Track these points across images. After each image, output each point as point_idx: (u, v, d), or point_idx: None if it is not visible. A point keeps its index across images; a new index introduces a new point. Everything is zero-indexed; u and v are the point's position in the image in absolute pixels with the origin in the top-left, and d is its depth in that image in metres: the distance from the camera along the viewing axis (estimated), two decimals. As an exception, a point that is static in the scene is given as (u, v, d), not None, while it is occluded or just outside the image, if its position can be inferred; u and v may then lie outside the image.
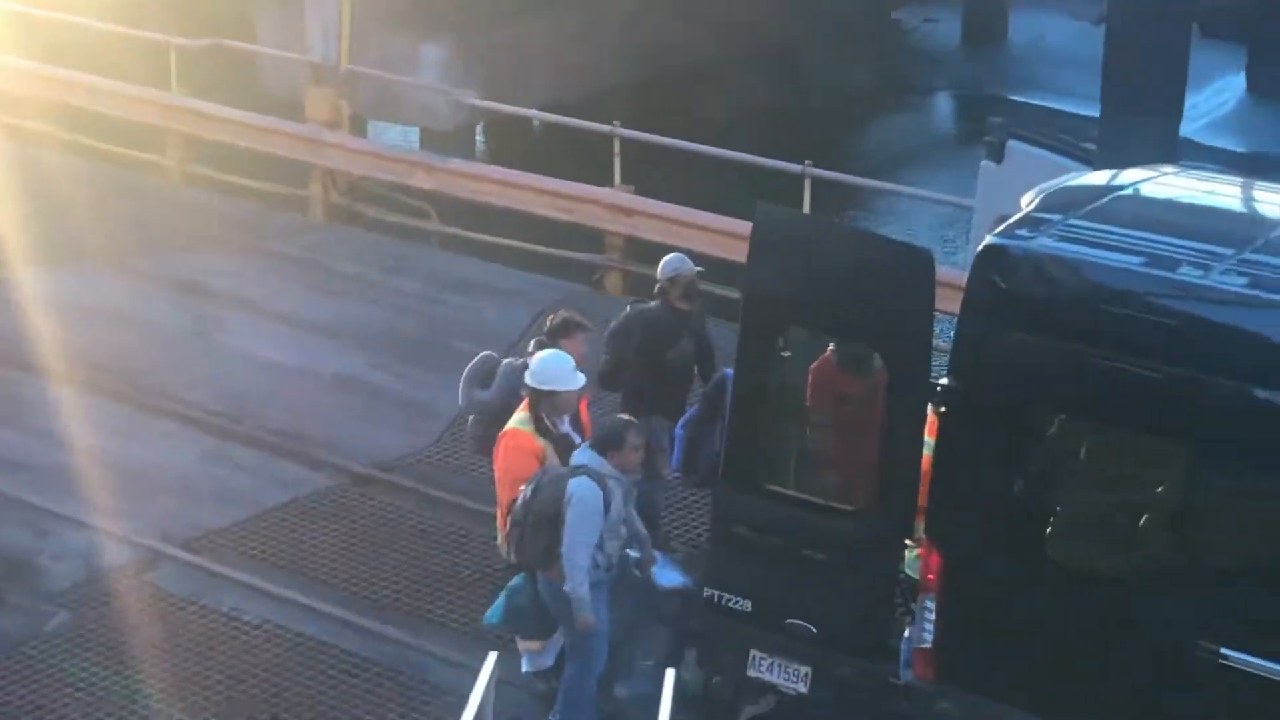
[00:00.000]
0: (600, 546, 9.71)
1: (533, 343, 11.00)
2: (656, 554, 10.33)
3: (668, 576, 10.21)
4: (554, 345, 10.67)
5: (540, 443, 10.19)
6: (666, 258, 12.07)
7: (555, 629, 10.25)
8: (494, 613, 10.31)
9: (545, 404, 10.23)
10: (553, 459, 10.16)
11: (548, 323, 11.15)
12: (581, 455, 9.87)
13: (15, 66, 21.54)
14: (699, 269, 12.00)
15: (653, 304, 11.90)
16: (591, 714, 10.06)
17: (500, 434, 10.37)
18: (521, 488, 9.90)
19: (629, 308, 12.02)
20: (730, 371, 10.71)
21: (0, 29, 22.11)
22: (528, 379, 10.28)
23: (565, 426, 10.34)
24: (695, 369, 11.93)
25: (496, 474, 10.36)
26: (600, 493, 9.64)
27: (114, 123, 21.05)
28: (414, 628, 11.43)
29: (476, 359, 11.30)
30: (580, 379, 10.31)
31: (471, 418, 11.26)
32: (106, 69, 21.29)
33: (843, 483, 10.02)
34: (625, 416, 10.36)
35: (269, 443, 13.80)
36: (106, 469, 13.22)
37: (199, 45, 20.97)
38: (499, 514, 10.34)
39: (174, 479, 13.18)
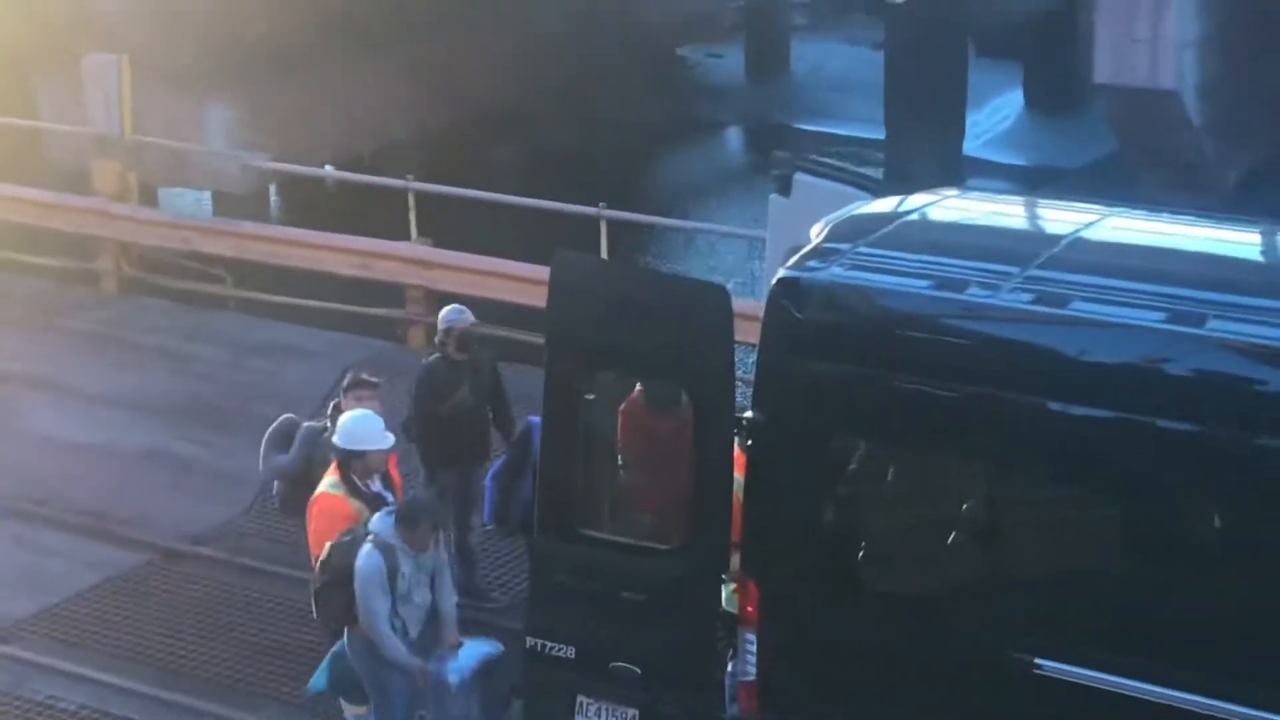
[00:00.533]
0: (396, 612, 9.67)
1: (330, 405, 10.97)
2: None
3: (466, 660, 9.90)
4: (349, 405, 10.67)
5: (353, 505, 10.11)
6: (444, 310, 12.19)
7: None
8: (318, 679, 10.22)
9: (355, 465, 10.17)
10: (367, 517, 10.09)
11: (345, 383, 11.16)
12: (379, 522, 9.76)
13: None
14: (473, 322, 12.05)
15: (432, 357, 11.98)
16: None
17: (311, 499, 10.28)
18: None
19: (422, 362, 12.10)
20: (536, 419, 10.74)
21: None
22: (336, 440, 10.22)
23: (377, 486, 10.28)
24: (490, 418, 11.99)
25: (310, 539, 10.27)
26: (382, 565, 9.56)
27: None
28: (238, 702, 11.29)
29: (276, 422, 11.26)
30: (389, 438, 10.27)
31: (275, 481, 11.19)
32: None
33: (657, 522, 10.07)
34: (427, 498, 10.33)
35: (76, 524, 13.56)
36: (-93, 564, 12.93)
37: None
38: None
39: (-21, 569, 12.91)
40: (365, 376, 11.18)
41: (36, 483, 14.19)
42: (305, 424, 11.11)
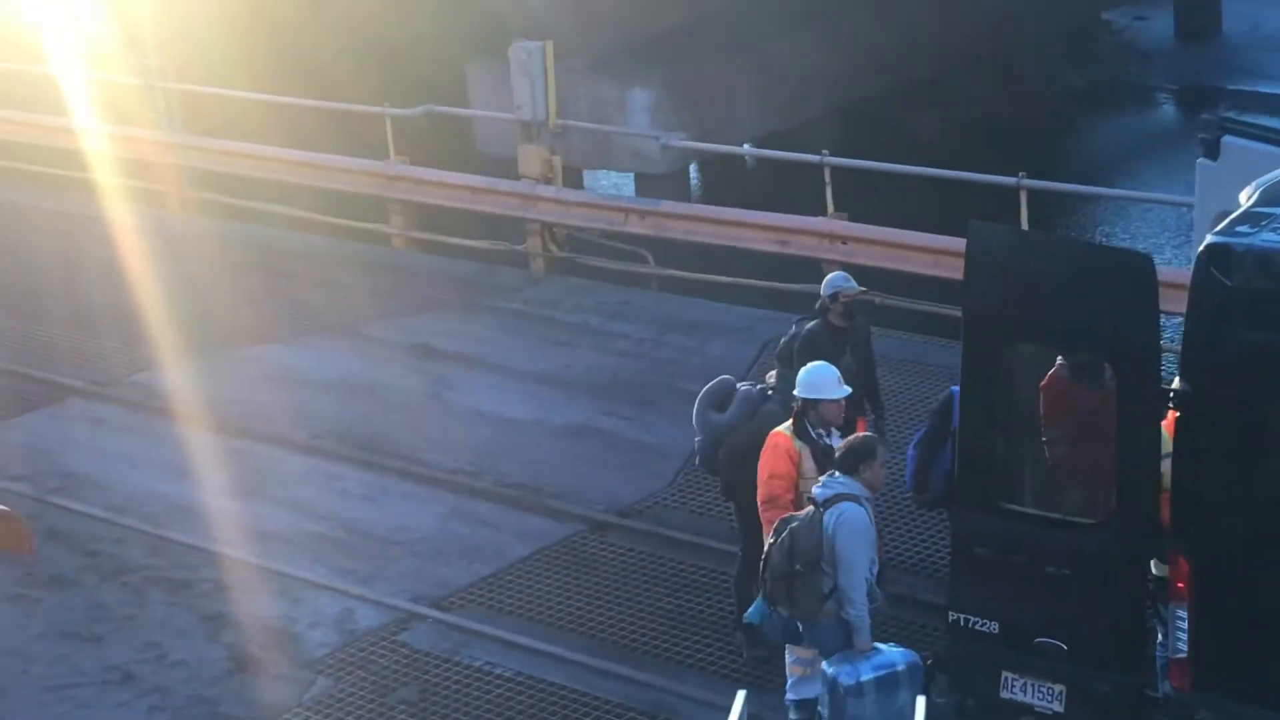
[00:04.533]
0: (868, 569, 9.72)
1: (772, 374, 11.18)
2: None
3: (871, 667, 9.64)
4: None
5: (797, 446, 10.40)
6: (829, 275, 12.26)
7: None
8: (753, 613, 10.27)
9: (810, 414, 10.45)
10: (809, 464, 10.32)
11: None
12: (828, 486, 9.79)
13: (232, 149, 22.23)
14: (862, 289, 12.07)
15: (812, 322, 11.98)
16: None
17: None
18: (768, 538, 9.94)
19: (793, 325, 12.11)
20: (958, 389, 10.67)
21: (227, 115, 22.86)
22: (795, 390, 10.51)
23: (832, 439, 10.45)
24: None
25: (759, 473, 10.54)
26: (867, 515, 9.68)
27: (332, 195, 21.59)
28: (664, 670, 11.50)
29: (713, 382, 11.47)
30: (843, 390, 10.47)
31: (700, 437, 11.39)
32: (315, 143, 21.89)
33: (1081, 496, 9.88)
34: (871, 433, 10.36)
35: (508, 496, 14.03)
36: (354, 534, 13.56)
37: (413, 114, 21.39)
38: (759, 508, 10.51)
39: (420, 539, 13.46)
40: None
41: (471, 456, 14.74)
42: (742, 387, 11.32)
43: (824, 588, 9.68)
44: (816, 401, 10.43)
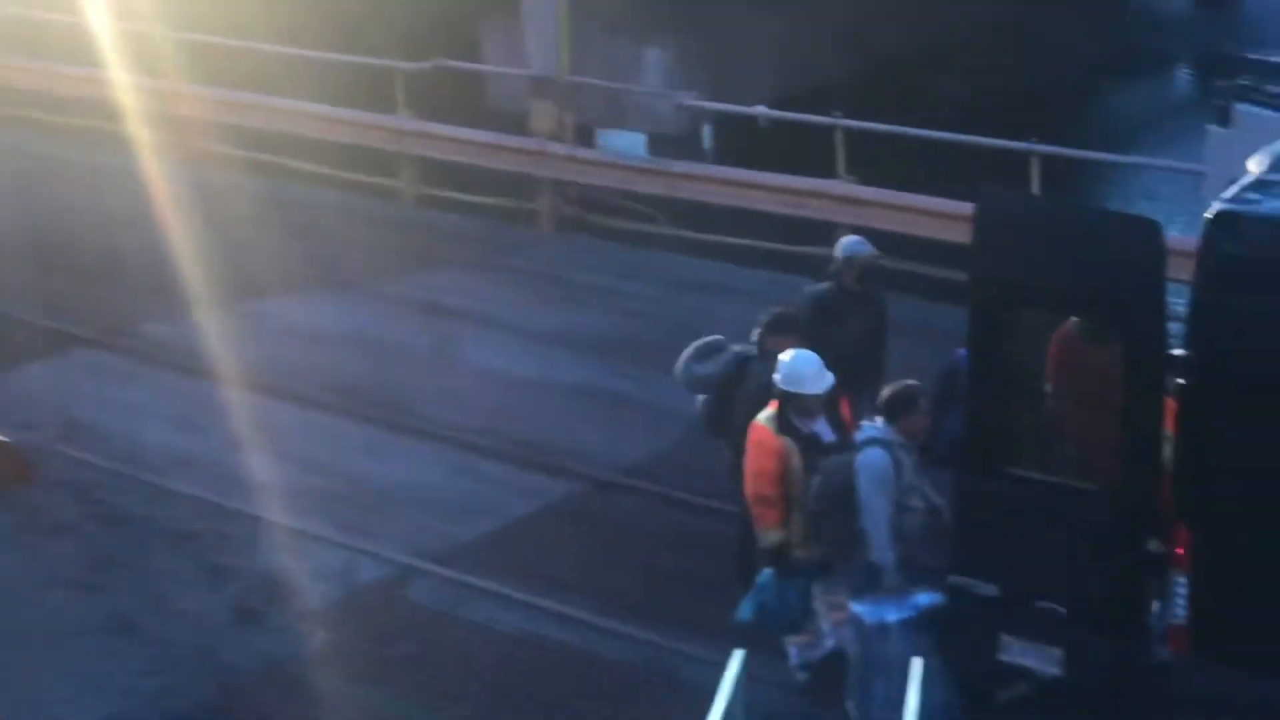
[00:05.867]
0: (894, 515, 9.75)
1: (755, 333, 11.07)
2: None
3: (902, 606, 9.82)
4: (769, 342, 10.74)
5: (780, 439, 10.20)
6: (845, 238, 12.14)
7: (803, 627, 10.30)
8: (744, 610, 10.35)
9: (791, 405, 10.25)
10: (794, 459, 10.17)
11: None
12: (865, 431, 9.93)
13: (245, 101, 22.17)
14: (877, 254, 11.97)
15: (824, 284, 11.88)
16: None
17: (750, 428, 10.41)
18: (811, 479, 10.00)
19: (805, 289, 12.03)
20: (964, 352, 10.61)
21: (228, 66, 22.80)
22: (776, 379, 10.27)
23: (814, 426, 10.30)
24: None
25: (745, 467, 10.45)
26: (889, 459, 9.70)
27: (342, 149, 21.53)
28: (665, 629, 11.50)
29: (703, 339, 11.37)
30: (824, 381, 10.24)
31: (702, 398, 11.31)
32: (330, 97, 21.82)
33: (1084, 459, 9.84)
34: (913, 382, 10.25)
35: (513, 454, 14.02)
36: (358, 488, 13.57)
37: (423, 68, 21.32)
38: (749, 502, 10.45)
39: (423, 495, 13.46)
40: (789, 314, 11.20)
41: (477, 414, 14.73)
42: (734, 348, 11.22)
43: (854, 527, 9.78)
44: (797, 394, 10.19)
